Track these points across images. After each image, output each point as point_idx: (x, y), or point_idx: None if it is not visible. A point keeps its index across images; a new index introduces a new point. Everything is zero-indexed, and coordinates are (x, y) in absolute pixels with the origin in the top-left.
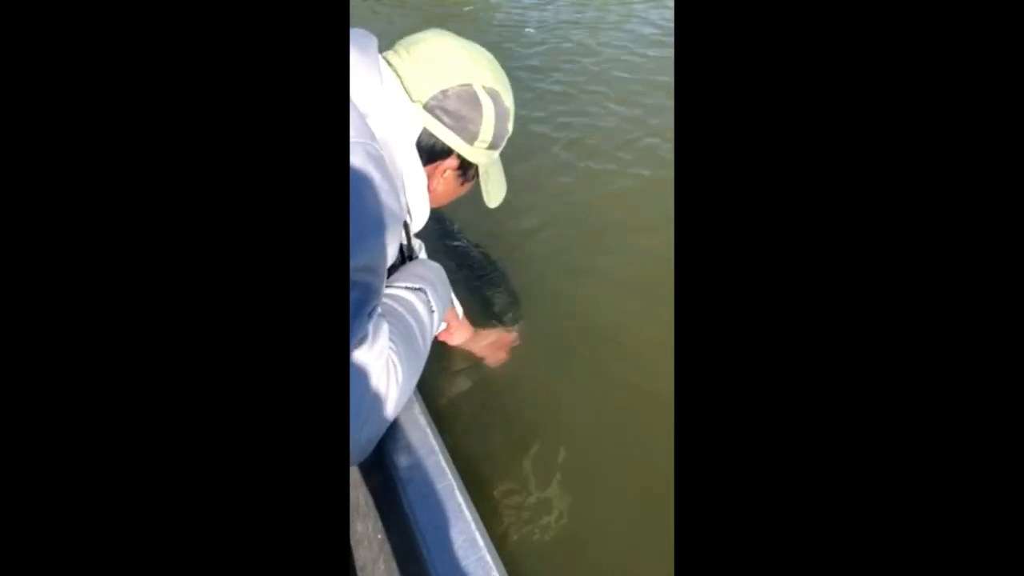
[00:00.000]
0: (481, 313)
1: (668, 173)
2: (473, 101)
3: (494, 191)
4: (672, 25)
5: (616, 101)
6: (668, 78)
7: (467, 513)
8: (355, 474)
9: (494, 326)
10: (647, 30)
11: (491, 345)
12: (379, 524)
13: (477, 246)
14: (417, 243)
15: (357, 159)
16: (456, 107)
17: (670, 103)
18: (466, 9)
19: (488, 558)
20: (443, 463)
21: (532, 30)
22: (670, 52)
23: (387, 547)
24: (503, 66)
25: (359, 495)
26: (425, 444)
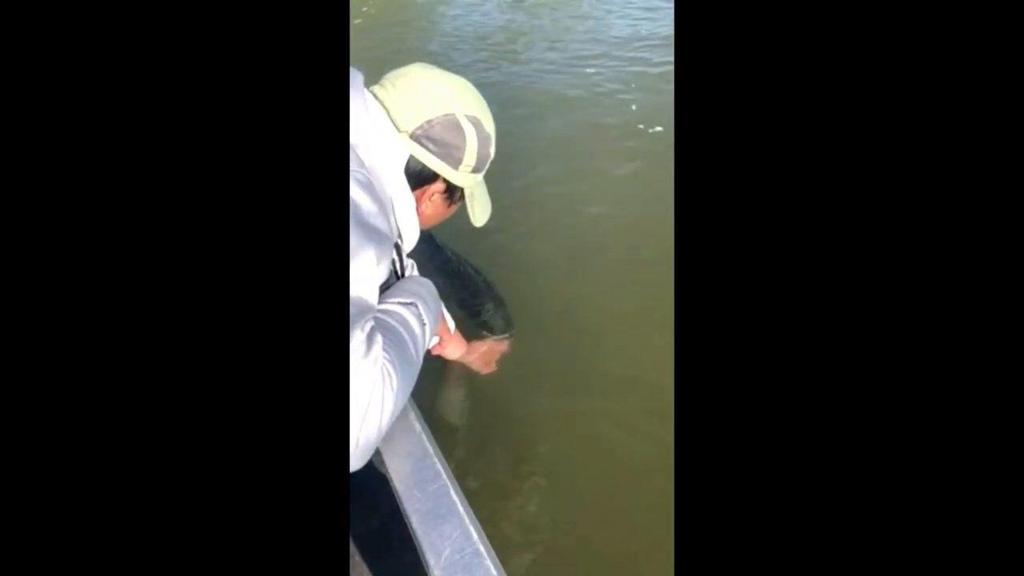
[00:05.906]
0: (471, 325)
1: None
2: (456, 129)
3: (479, 211)
4: None
5: None
6: None
7: (461, 509)
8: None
9: (485, 338)
10: None
11: (482, 356)
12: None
13: (464, 260)
14: (409, 263)
15: None
16: (440, 135)
17: None
18: None
19: (482, 549)
20: (438, 465)
21: None
22: None
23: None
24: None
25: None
26: (420, 448)
